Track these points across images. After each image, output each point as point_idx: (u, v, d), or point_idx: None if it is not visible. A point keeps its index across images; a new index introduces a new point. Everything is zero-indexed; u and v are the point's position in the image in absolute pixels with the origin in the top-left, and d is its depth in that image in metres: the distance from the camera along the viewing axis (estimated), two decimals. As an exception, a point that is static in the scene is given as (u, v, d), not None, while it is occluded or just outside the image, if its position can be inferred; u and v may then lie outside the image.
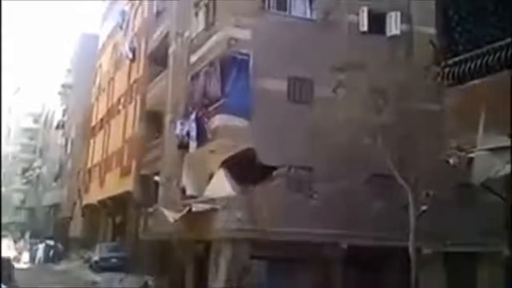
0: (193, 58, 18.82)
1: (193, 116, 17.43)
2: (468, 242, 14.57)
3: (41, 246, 32.31)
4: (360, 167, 15.00)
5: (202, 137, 16.89)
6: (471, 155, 5.44)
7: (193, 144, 17.18)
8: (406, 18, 17.35)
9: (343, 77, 13.30)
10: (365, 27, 17.08)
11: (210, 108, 16.80)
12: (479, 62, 5.46)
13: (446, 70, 5.84)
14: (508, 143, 5.04)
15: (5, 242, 37.15)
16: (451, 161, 5.89)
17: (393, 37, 17.14)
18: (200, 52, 18.25)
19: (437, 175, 12.73)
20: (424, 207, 13.25)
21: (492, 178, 5.43)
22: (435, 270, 14.99)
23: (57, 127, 49.82)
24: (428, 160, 12.21)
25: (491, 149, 5.24)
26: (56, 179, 47.21)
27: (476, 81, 5.54)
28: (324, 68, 14.80)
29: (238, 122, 15.73)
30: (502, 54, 5.25)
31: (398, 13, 17.34)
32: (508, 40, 5.23)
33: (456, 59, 5.73)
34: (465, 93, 5.70)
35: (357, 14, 17.04)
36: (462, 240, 14.52)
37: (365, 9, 17.03)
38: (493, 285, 12.83)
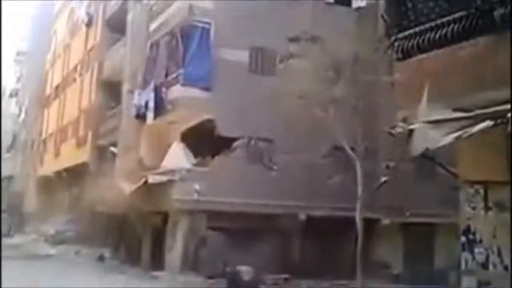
0: (153, 26, 18.14)
1: (151, 86, 16.90)
2: (426, 213, 14.94)
3: None
4: (320, 140, 15.01)
5: (160, 107, 16.43)
6: (412, 127, 5.49)
7: (150, 115, 16.71)
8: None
9: (296, 48, 13.12)
10: (331, -2, 16.88)
11: (169, 78, 16.32)
12: (426, 36, 5.56)
13: (396, 44, 5.86)
14: (448, 116, 5.09)
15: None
16: (393, 132, 5.96)
17: (359, 9, 16.97)
18: (160, 20, 17.59)
19: (397, 147, 12.90)
20: (384, 178, 13.43)
21: (431, 149, 5.52)
22: (393, 240, 15.37)
23: (11, 95, 47.75)
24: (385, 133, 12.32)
25: (430, 121, 5.32)
26: (9, 150, 45.42)
27: (422, 55, 5.58)
28: (286, 39, 14.57)
29: (197, 92, 15.38)
30: (449, 29, 5.35)
31: (364, -16, 17.17)
32: (455, 15, 5.26)
33: (406, 33, 5.74)
34: (411, 67, 5.75)
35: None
36: (420, 211, 14.86)
37: (331, -21, 16.80)
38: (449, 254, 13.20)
